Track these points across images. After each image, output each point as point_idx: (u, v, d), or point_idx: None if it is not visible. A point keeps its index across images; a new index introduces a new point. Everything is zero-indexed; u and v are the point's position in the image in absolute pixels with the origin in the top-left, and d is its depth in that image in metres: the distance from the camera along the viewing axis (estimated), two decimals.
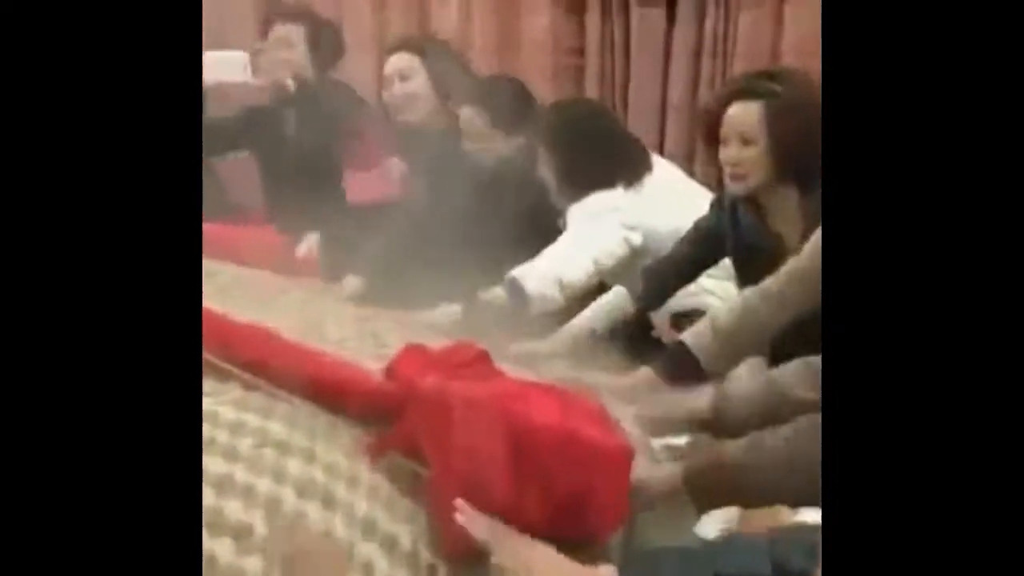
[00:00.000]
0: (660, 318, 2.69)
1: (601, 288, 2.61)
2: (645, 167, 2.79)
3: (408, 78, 3.06)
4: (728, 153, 2.29)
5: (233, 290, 1.88)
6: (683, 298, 2.58)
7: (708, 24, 3.42)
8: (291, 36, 3.27)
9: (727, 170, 2.32)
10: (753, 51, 3.23)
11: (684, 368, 2.04)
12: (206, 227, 2.69)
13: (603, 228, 2.64)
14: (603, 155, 2.76)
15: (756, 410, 1.75)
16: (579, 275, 2.54)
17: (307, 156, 3.20)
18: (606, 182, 2.70)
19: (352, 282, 2.74)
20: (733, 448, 1.58)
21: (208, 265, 2.02)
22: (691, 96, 3.44)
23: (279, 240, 2.99)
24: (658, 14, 3.51)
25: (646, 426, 1.98)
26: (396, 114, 3.10)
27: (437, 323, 2.51)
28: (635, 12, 3.53)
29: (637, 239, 2.63)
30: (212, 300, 1.69)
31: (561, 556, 1.33)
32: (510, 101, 2.91)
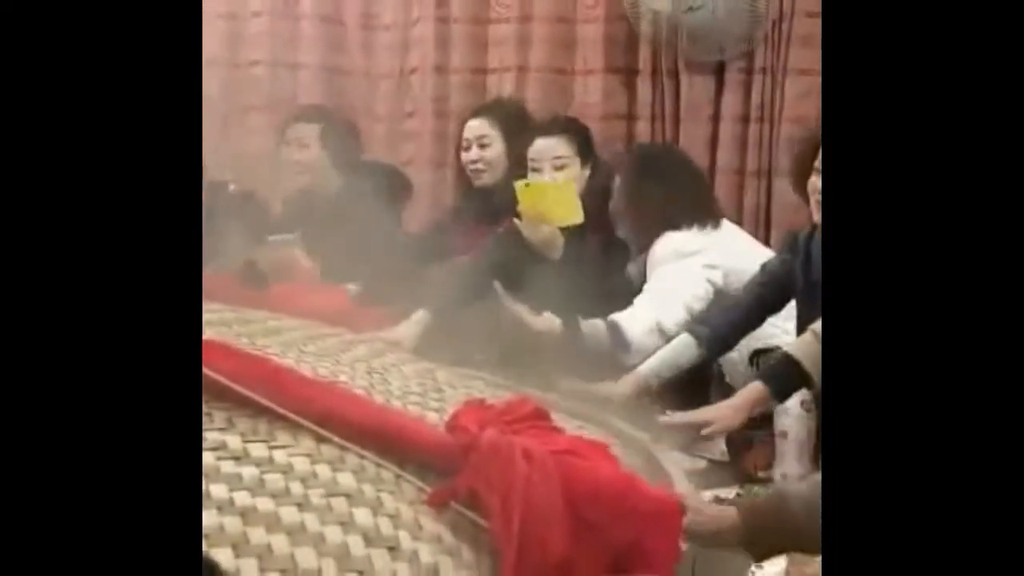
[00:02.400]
0: (731, 364, 2.67)
1: None
2: (718, 212, 2.81)
3: (487, 145, 3.10)
4: (815, 181, 2.29)
5: (304, 345, 1.89)
6: (753, 340, 2.56)
7: (755, 91, 3.44)
8: (305, 136, 3.30)
9: (813, 197, 2.32)
10: (800, 116, 3.25)
11: (792, 380, 2.04)
12: (277, 288, 2.74)
13: (689, 271, 2.64)
14: (681, 196, 2.78)
15: None
16: (675, 321, 2.52)
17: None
18: (680, 223, 2.72)
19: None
20: (795, 490, 1.52)
21: (277, 322, 2.05)
22: (739, 160, 3.45)
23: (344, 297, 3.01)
24: (706, 81, 3.53)
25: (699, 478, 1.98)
26: (475, 179, 3.13)
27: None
28: (684, 79, 3.56)
29: (719, 280, 2.62)
30: (285, 355, 1.71)
31: None
32: (579, 135, 2.95)
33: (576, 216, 2.71)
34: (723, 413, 2.10)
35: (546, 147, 2.91)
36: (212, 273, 2.86)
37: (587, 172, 2.93)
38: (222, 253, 2.89)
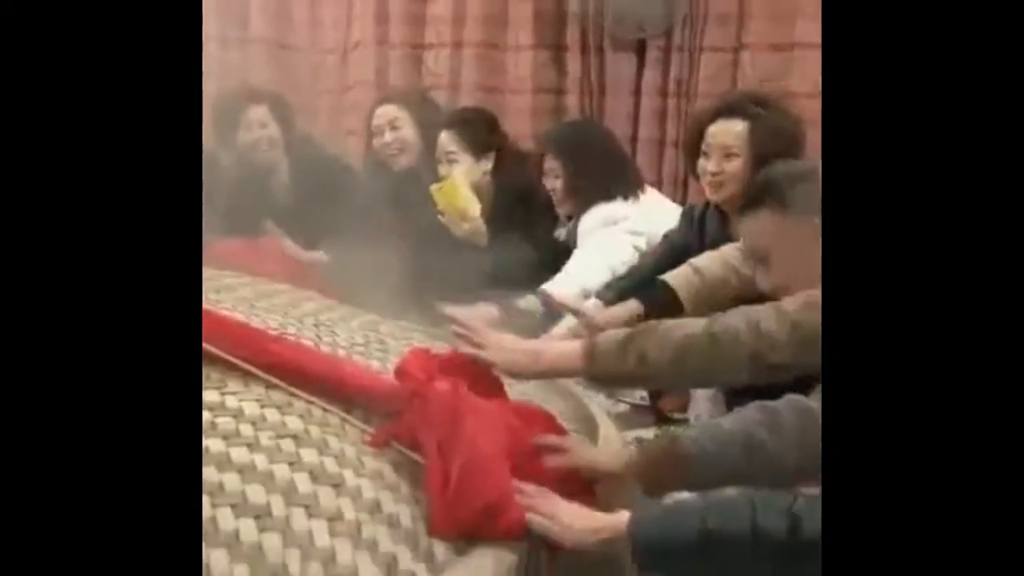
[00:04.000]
0: None
1: None
2: (640, 183, 2.86)
3: (398, 127, 3.12)
4: (709, 164, 2.35)
5: (256, 301, 1.89)
6: None
7: (672, 66, 3.47)
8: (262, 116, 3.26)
9: (706, 179, 2.38)
10: (713, 91, 3.27)
11: (667, 305, 2.11)
12: (226, 243, 2.70)
13: (615, 237, 2.70)
14: (608, 170, 2.84)
15: None
16: (599, 282, 2.55)
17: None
18: (608, 195, 2.78)
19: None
20: (687, 433, 1.54)
21: (231, 279, 2.04)
22: (659, 132, 3.48)
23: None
24: (629, 58, 3.55)
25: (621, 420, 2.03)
26: (393, 163, 3.16)
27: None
28: (609, 55, 3.58)
29: (643, 245, 2.66)
30: (238, 311, 1.71)
31: (585, 508, 1.38)
32: (467, 128, 2.98)
33: (471, 207, 2.81)
34: (606, 316, 2.17)
35: (440, 142, 2.99)
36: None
37: (485, 163, 2.96)
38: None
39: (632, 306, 2.17)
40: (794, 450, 1.46)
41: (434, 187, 2.86)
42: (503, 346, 1.57)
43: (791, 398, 1.48)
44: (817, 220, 1.79)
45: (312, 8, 4.16)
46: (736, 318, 1.59)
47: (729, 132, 2.34)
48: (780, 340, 1.55)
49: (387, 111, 3.17)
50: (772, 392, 1.51)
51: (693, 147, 2.44)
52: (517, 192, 2.92)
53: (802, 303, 1.61)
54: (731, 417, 1.52)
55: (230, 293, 1.91)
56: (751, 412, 1.48)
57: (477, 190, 2.90)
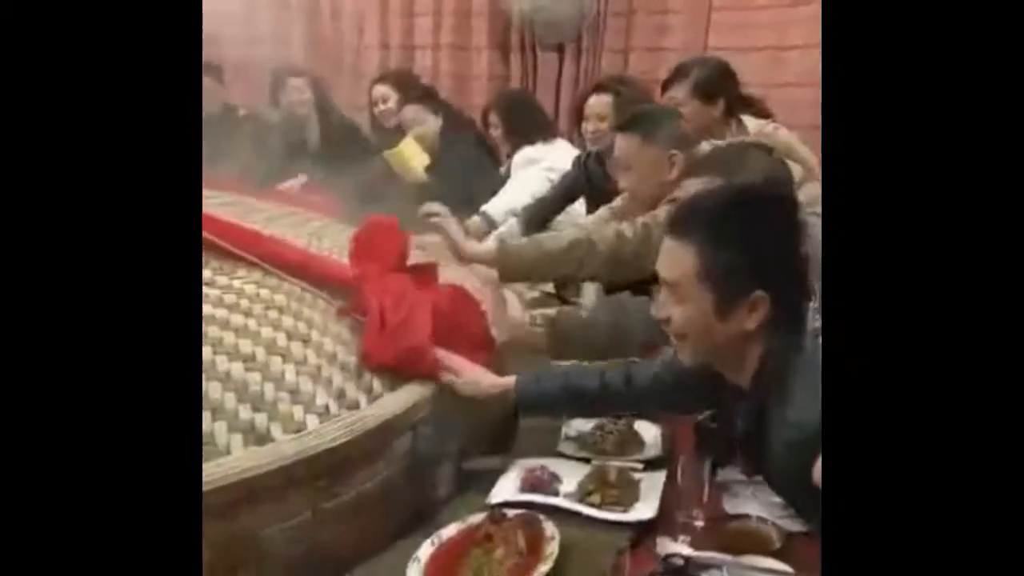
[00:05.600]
0: None
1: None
2: (553, 132, 2.80)
3: (387, 100, 3.00)
4: (588, 126, 2.34)
5: (251, 215, 1.78)
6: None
7: (582, 62, 3.36)
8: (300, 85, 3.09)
9: (588, 136, 2.36)
10: None
11: None
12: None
13: (534, 172, 2.60)
14: (532, 122, 2.75)
15: None
16: (521, 203, 2.45)
17: None
18: (531, 139, 2.69)
19: None
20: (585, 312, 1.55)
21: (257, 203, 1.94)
22: (571, 106, 3.39)
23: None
24: (553, 56, 3.43)
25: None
26: (384, 121, 3.02)
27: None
28: (539, 54, 3.46)
29: (554, 177, 2.57)
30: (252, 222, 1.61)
31: (482, 368, 1.31)
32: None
33: (418, 166, 2.66)
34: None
35: (404, 111, 2.85)
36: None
37: (435, 123, 2.82)
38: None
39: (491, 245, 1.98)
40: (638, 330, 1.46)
41: (386, 152, 2.70)
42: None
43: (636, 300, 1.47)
44: (669, 151, 1.78)
45: (336, 20, 3.96)
46: (608, 229, 1.61)
47: (600, 102, 2.31)
48: (632, 239, 1.55)
49: (379, 89, 3.03)
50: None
51: (578, 113, 2.43)
52: (462, 142, 2.81)
53: (649, 217, 1.60)
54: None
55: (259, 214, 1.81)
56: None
57: (430, 144, 2.76)
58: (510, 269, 1.58)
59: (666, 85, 2.09)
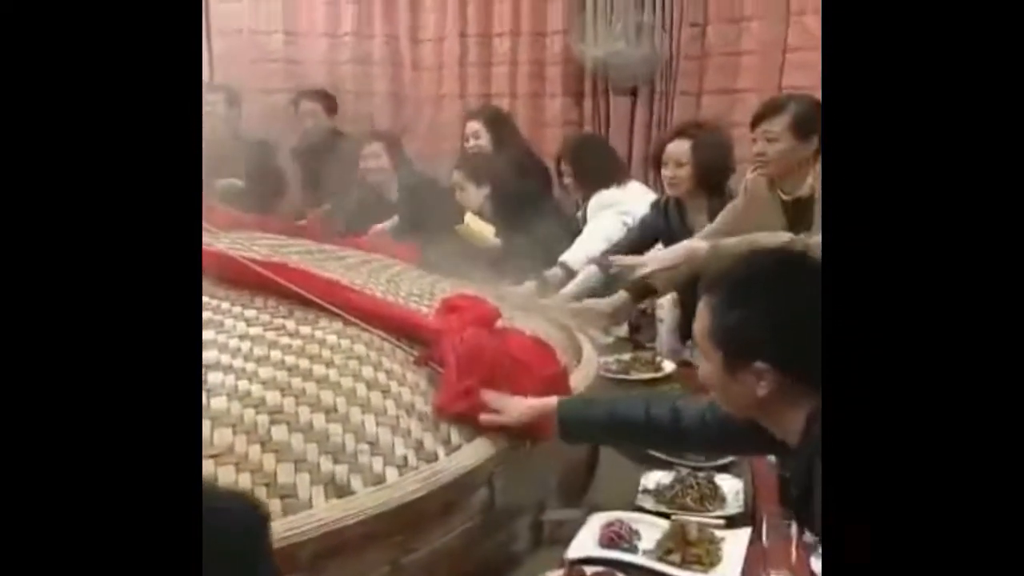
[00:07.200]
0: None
1: None
2: (627, 176, 2.79)
3: (479, 137, 3.00)
4: (667, 172, 2.31)
5: (360, 267, 1.83)
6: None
7: (655, 105, 3.35)
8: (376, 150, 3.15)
9: (666, 182, 2.34)
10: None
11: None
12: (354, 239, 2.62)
13: (609, 216, 2.60)
14: (605, 166, 2.75)
15: None
16: (599, 250, 2.44)
17: None
18: (605, 184, 2.68)
19: None
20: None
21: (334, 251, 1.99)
22: (648, 152, 3.37)
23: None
24: (626, 100, 3.43)
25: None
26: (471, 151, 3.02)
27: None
28: (612, 99, 3.47)
29: (630, 222, 2.56)
30: (324, 268, 1.65)
31: (519, 397, 1.29)
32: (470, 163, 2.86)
33: (488, 235, 2.63)
34: (657, 257, 2.13)
35: (453, 179, 2.83)
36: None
37: (484, 190, 2.77)
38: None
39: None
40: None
41: (458, 228, 2.65)
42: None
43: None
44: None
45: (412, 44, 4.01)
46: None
47: (679, 148, 2.28)
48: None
49: (472, 126, 3.03)
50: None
51: (656, 160, 2.39)
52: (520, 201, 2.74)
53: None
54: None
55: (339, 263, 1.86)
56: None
57: (482, 214, 2.72)
58: None
59: (757, 120, 2.00)
